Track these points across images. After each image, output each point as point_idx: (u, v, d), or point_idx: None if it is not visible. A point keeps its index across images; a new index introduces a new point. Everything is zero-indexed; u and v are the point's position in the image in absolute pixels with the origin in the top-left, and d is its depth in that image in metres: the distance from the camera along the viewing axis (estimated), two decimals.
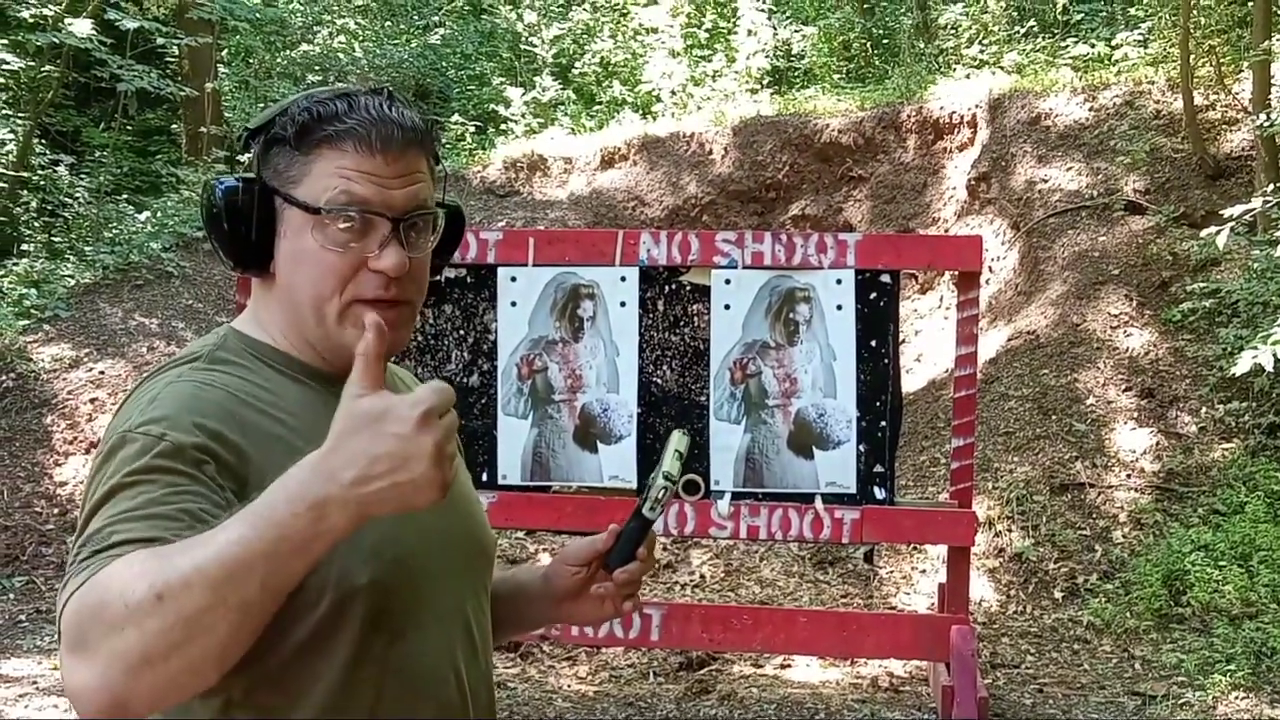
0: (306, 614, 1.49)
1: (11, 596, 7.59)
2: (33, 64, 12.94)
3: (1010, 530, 7.15)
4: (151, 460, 1.43)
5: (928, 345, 9.92)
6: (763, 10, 14.69)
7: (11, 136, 13.14)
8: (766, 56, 14.34)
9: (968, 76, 12.10)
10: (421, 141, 1.63)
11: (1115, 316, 8.52)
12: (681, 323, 5.44)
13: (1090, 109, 10.39)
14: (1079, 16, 13.22)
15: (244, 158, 1.77)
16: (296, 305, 1.62)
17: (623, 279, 5.42)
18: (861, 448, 5.32)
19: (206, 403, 1.52)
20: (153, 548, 1.29)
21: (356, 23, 18.22)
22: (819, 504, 5.31)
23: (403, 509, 1.28)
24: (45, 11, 11.77)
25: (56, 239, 12.43)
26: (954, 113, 11.23)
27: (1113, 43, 11.73)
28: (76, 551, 1.37)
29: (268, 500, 1.27)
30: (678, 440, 1.76)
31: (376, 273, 1.59)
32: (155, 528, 1.35)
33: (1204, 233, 7.22)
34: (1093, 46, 11.96)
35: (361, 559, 1.53)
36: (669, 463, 1.73)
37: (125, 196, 13.31)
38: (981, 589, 6.78)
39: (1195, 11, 9.96)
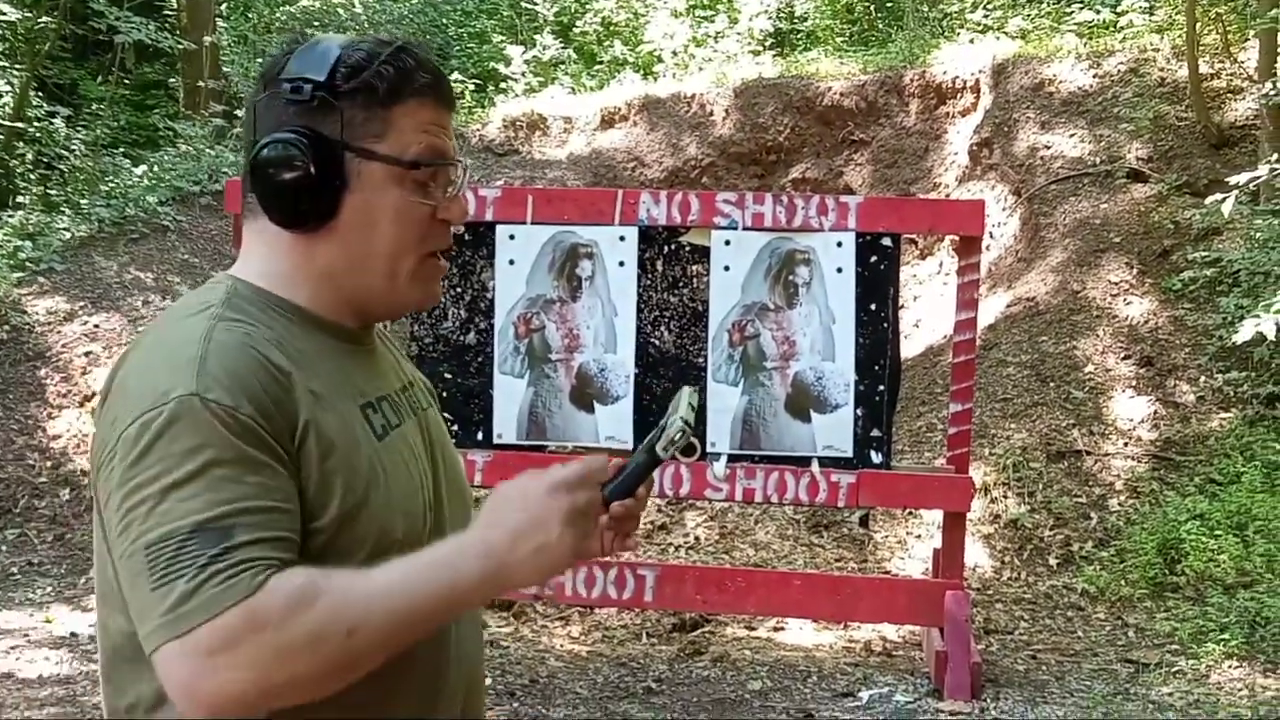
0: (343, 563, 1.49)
1: (4, 549, 7.57)
2: (29, 15, 12.85)
3: (1006, 497, 7.14)
4: (233, 436, 1.41)
5: (926, 311, 9.89)
6: None
7: (8, 88, 13.07)
8: (769, 18, 14.24)
9: (971, 41, 12.01)
10: None
11: (1115, 284, 8.49)
12: (680, 283, 5.42)
13: (1094, 76, 10.33)
14: None
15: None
16: (365, 261, 1.61)
17: (622, 238, 5.39)
18: (859, 411, 5.31)
19: (260, 362, 1.48)
20: (313, 575, 1.38)
21: None
22: (815, 467, 5.30)
23: (547, 574, 1.47)
24: None
25: (52, 191, 12.36)
26: (957, 78, 11.16)
27: (1118, 9, 11.63)
28: (191, 533, 1.37)
29: (453, 563, 1.44)
30: (690, 394, 1.72)
31: (443, 223, 1.64)
32: (275, 524, 1.41)
33: (1209, 200, 7.18)
34: (1098, 13, 11.87)
35: (398, 513, 1.56)
36: (684, 410, 1.69)
37: (122, 150, 13.21)
38: (976, 555, 6.77)
39: None
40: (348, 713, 1.47)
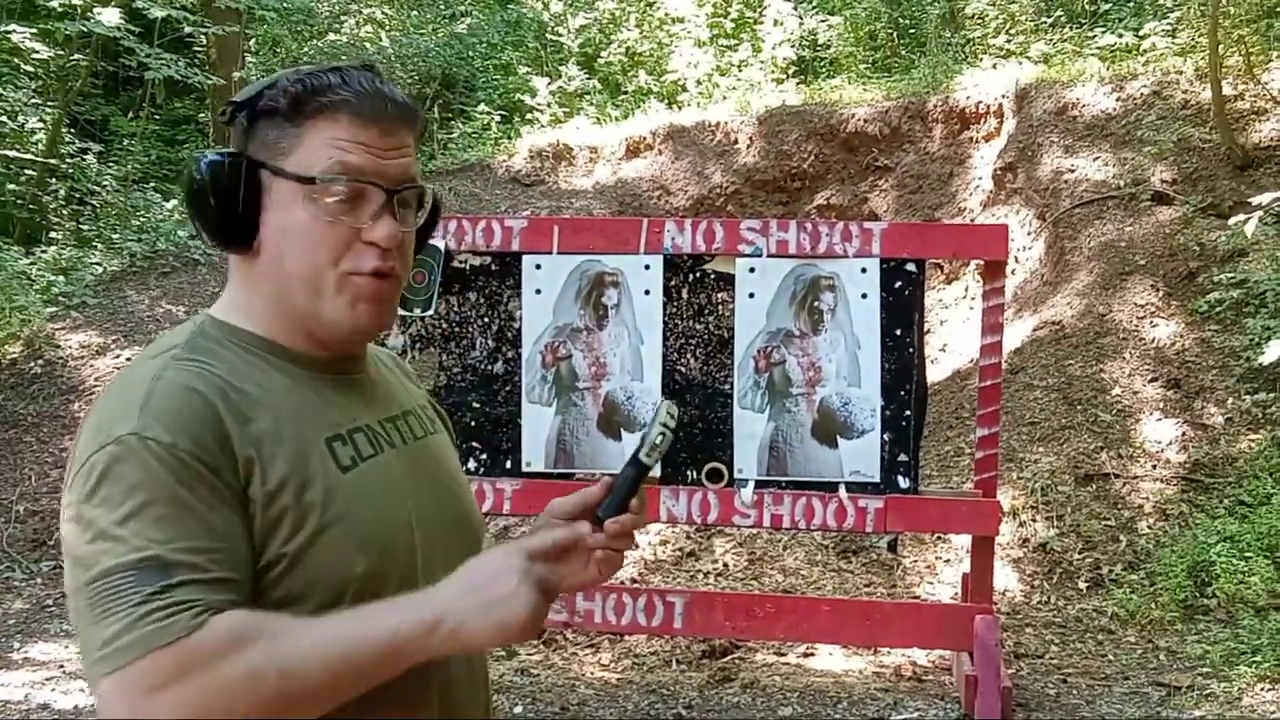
0: (293, 608, 1.47)
1: (39, 581, 7.64)
2: (61, 52, 13.03)
3: (1035, 520, 7.13)
4: (170, 474, 1.42)
5: (952, 335, 9.90)
6: (789, 0, 14.65)
7: (41, 125, 13.22)
8: (792, 46, 14.31)
9: (994, 66, 12.05)
10: (410, 118, 1.64)
11: (1142, 307, 8.48)
12: (706, 311, 5.44)
13: (1118, 99, 10.34)
14: (1106, 6, 13.15)
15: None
16: (285, 280, 1.59)
17: (647, 267, 5.42)
18: (886, 436, 5.31)
19: (204, 400, 1.49)
20: (254, 618, 1.39)
21: (383, 13, 18.22)
22: (843, 493, 5.30)
23: (503, 630, 1.44)
24: (74, 0, 11.82)
25: (84, 226, 12.49)
26: (980, 103, 11.19)
27: (1140, 33, 11.66)
28: (129, 570, 1.38)
29: (399, 613, 1.42)
30: (668, 405, 1.72)
31: (369, 245, 1.57)
32: (215, 564, 1.40)
33: (1233, 220, 7.18)
34: (1120, 36, 11.89)
35: (358, 548, 1.53)
36: (664, 418, 1.69)
37: (153, 185, 13.37)
38: (1005, 579, 6.76)
39: (1224, 1, 9.89)
40: None
